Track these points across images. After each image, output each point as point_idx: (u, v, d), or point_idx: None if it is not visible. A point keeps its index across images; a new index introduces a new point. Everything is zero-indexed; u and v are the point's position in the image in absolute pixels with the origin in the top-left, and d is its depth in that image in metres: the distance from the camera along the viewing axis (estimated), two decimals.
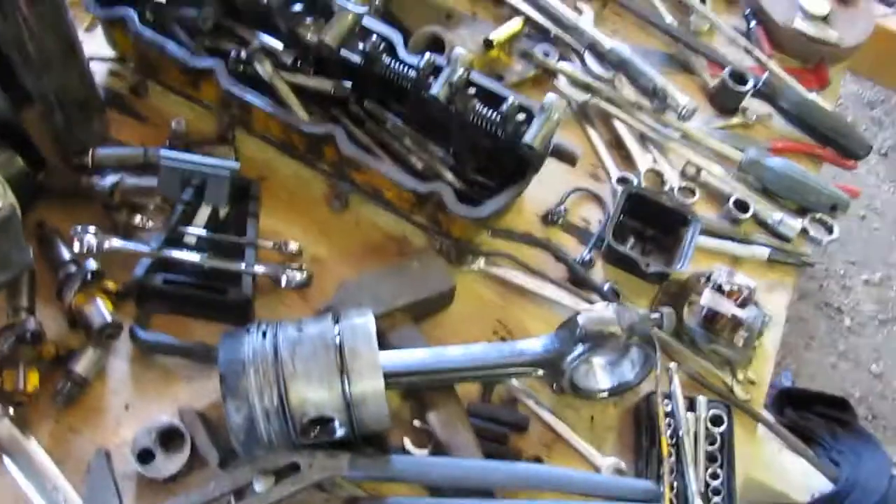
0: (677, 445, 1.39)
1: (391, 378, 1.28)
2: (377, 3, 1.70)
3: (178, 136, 1.57)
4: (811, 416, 2.06)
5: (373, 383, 1.21)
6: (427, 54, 1.54)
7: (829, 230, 1.76)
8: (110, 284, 1.42)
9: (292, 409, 1.19)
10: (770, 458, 1.72)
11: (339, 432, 1.22)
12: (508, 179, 1.55)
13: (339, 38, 1.56)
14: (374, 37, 1.58)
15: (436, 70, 1.54)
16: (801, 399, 2.14)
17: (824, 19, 2.03)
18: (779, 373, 3.10)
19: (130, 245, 1.42)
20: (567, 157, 1.59)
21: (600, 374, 1.46)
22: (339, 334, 1.24)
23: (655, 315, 1.38)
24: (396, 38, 1.62)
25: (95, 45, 1.74)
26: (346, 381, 1.20)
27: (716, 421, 1.44)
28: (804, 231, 1.75)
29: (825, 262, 3.54)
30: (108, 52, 1.74)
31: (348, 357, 1.21)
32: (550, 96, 1.49)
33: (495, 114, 1.52)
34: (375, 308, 1.39)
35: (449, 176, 1.59)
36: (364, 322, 1.26)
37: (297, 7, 1.61)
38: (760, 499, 1.71)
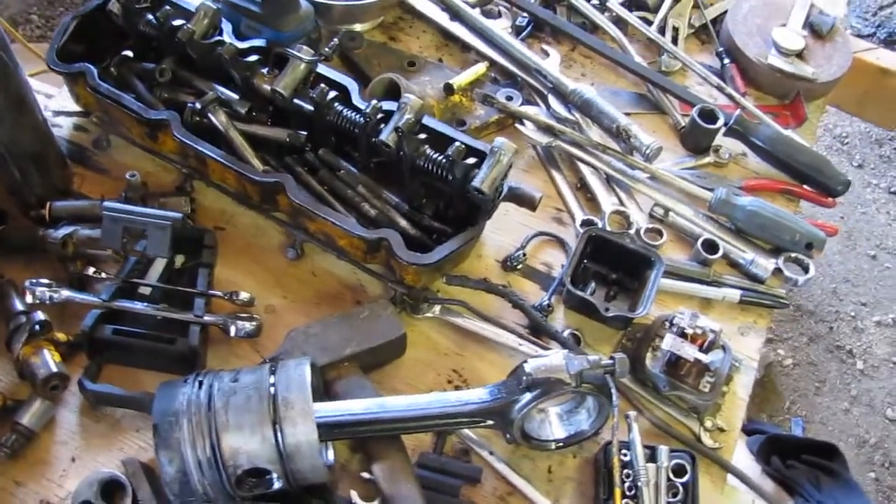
0: (636, 497, 1.34)
1: (333, 429, 1.26)
2: (328, 50, 1.71)
3: (133, 188, 1.57)
4: (797, 464, 1.98)
5: (306, 434, 1.18)
6: (374, 101, 1.54)
7: (805, 269, 1.70)
8: (61, 336, 1.42)
9: (225, 460, 1.16)
10: None
11: (277, 484, 1.19)
12: (465, 225, 1.52)
13: (292, 87, 1.57)
14: (323, 84, 1.58)
15: (386, 116, 1.53)
16: (789, 446, 2.07)
17: (799, 55, 2.00)
18: (789, 420, 3.01)
19: (80, 296, 1.42)
20: (526, 202, 1.56)
21: (555, 423, 1.42)
22: (273, 384, 1.21)
23: (607, 361, 1.32)
24: (352, 85, 1.62)
25: (63, 100, 1.77)
26: (278, 432, 1.17)
27: (679, 471, 1.38)
28: (778, 271, 1.69)
29: (835, 305, 3.46)
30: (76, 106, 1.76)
31: (281, 407, 1.18)
32: (499, 140, 1.47)
33: (444, 158, 1.50)
34: (323, 357, 1.38)
35: (402, 222, 1.57)
36: (300, 372, 1.23)
37: (252, 58, 1.62)
38: None
